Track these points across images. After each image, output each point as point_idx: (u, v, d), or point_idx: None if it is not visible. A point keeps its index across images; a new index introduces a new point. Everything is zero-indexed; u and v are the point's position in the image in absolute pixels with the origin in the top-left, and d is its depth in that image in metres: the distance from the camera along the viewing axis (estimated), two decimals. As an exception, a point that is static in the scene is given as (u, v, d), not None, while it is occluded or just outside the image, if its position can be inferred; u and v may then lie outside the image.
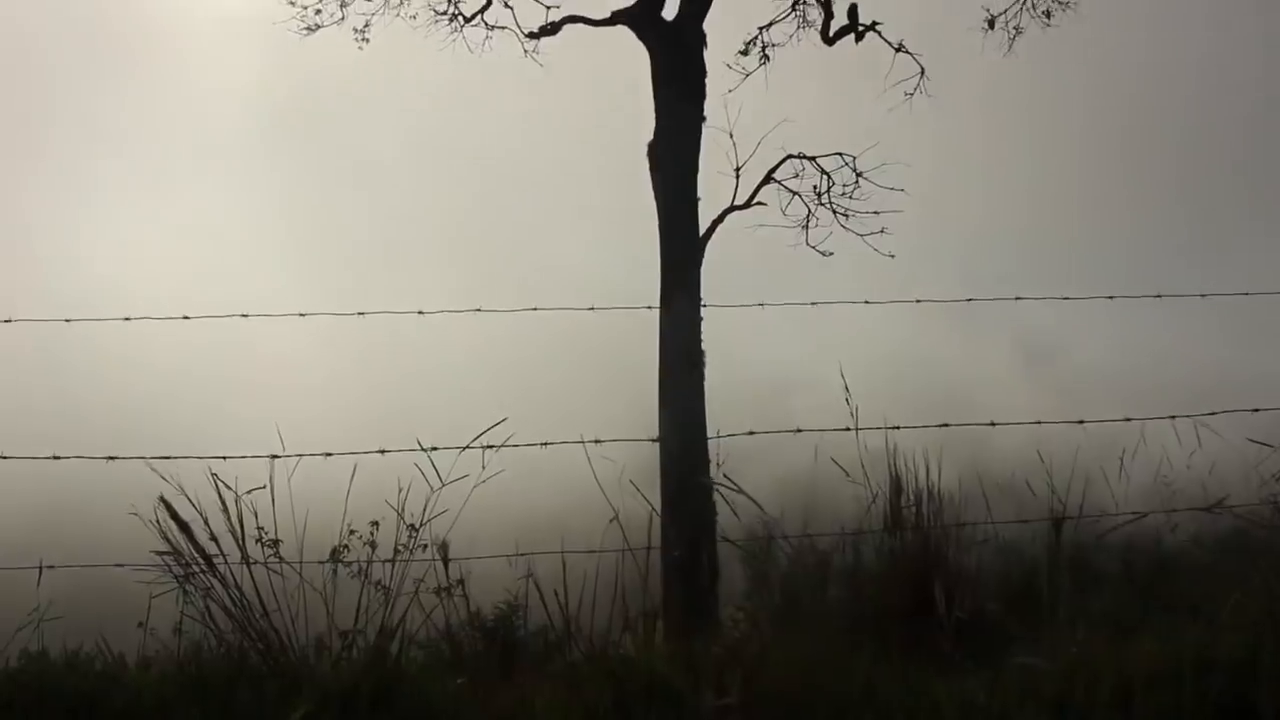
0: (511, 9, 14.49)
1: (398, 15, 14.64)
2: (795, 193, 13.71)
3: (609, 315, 6.63)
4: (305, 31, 14.70)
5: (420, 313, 6.42)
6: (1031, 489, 6.44)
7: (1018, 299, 6.82)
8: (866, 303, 6.57)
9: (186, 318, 6.53)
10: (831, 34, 14.28)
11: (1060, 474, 6.25)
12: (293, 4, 14.57)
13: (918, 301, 6.64)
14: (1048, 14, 14.81)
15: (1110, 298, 6.93)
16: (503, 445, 5.66)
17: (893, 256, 13.83)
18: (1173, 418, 6.68)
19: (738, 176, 13.38)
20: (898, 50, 14.38)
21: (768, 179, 13.58)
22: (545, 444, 6.06)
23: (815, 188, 13.72)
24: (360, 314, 6.43)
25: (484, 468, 5.52)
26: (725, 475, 5.67)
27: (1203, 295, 6.93)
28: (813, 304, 6.53)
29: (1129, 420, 6.64)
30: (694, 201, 13.35)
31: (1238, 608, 5.67)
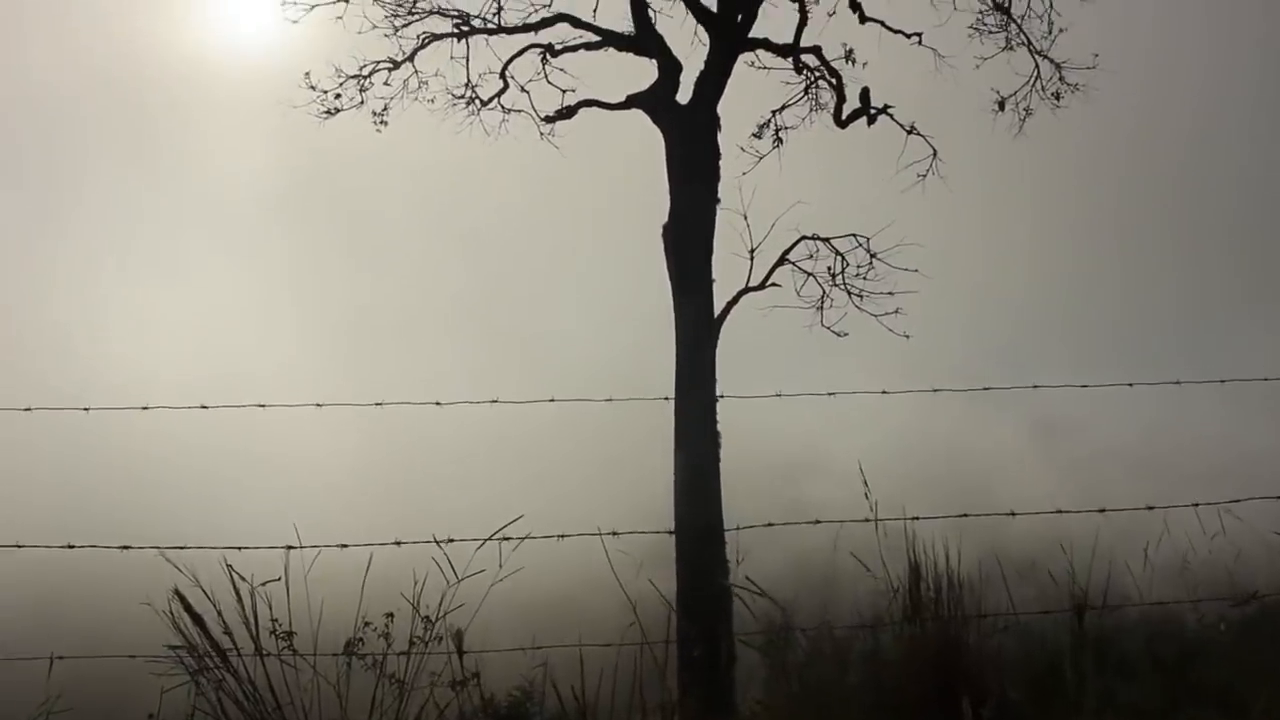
0: (528, 93, 14.74)
1: (415, 99, 14.90)
2: (809, 274, 13.78)
3: (625, 404, 6.62)
4: (324, 116, 14.91)
5: (438, 404, 6.42)
6: (1053, 577, 6.35)
7: (1035, 387, 6.79)
8: (884, 392, 6.54)
9: (204, 407, 6.54)
10: (844, 117, 14.45)
11: (1081, 561, 6.17)
12: (312, 89, 14.81)
13: (934, 391, 6.61)
14: (1057, 96, 14.97)
15: (1130, 385, 6.89)
16: (520, 539, 5.61)
17: (908, 337, 13.87)
18: (1195, 505, 6.60)
19: (752, 258, 13.48)
20: (910, 132, 14.54)
21: (782, 260, 13.65)
22: (561, 536, 6.01)
23: (829, 269, 13.79)
24: (378, 404, 6.43)
25: (501, 565, 5.47)
26: (746, 577, 5.61)
27: (1222, 381, 6.89)
28: (830, 394, 6.51)
29: (1151, 509, 6.56)
30: (708, 283, 13.42)
31: (1271, 699, 5.55)
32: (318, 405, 6.40)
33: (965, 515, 6.08)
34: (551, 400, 6.52)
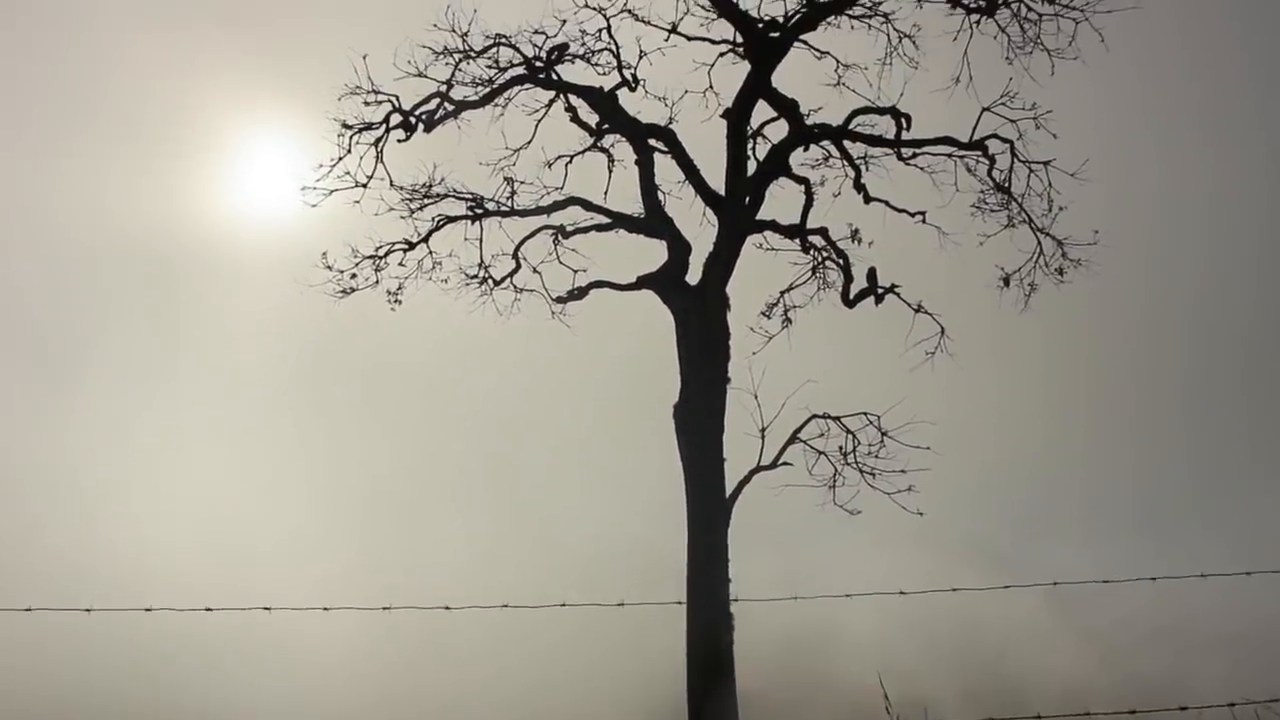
0: (539, 273, 14.99)
1: (430, 279, 15.13)
2: (821, 452, 13.71)
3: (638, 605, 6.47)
4: (340, 295, 15.12)
5: (447, 608, 6.28)
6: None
7: (1055, 584, 6.63)
8: (901, 593, 6.40)
9: (209, 609, 6.40)
10: (852, 297, 14.62)
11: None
12: (329, 268, 15.06)
13: (953, 590, 6.47)
14: (1060, 271, 15.11)
15: (1153, 579, 6.74)
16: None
17: (921, 514, 13.69)
18: (1232, 705, 6.36)
19: (763, 437, 13.44)
20: (917, 311, 14.66)
21: (793, 439, 13.62)
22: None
23: (841, 448, 13.73)
24: (385, 609, 6.29)
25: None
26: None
27: (1248, 573, 6.73)
28: (847, 595, 6.37)
29: (1184, 709, 6.33)
30: (720, 463, 13.37)
31: None
32: (324, 609, 6.26)
33: (991, 721, 5.85)
34: (563, 605, 6.38)
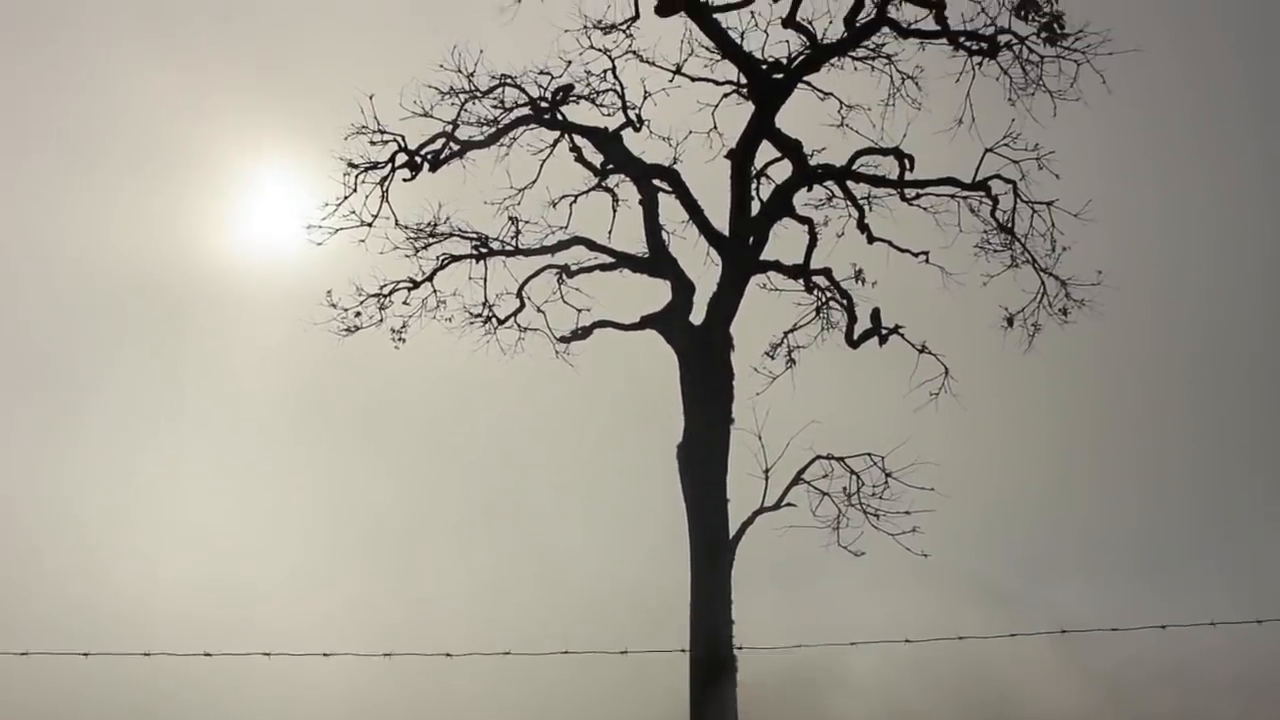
0: (543, 312, 15.01)
1: (434, 318, 15.15)
2: (825, 493, 13.68)
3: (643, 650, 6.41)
4: (344, 333, 15.13)
5: (448, 655, 6.23)
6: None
7: (1063, 631, 6.58)
8: (907, 641, 6.34)
9: (208, 654, 6.34)
10: (855, 337, 14.62)
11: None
12: (333, 306, 15.08)
13: (960, 638, 6.41)
14: (1064, 311, 15.09)
15: (1163, 627, 6.68)
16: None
17: (926, 556, 13.64)
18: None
19: (767, 478, 13.42)
20: (921, 351, 14.66)
21: (797, 480, 13.59)
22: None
23: (845, 489, 13.70)
24: (386, 655, 6.24)
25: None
26: None
27: (1259, 621, 6.67)
28: (851, 644, 6.31)
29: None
30: (723, 503, 13.32)
31: None
32: (324, 655, 6.21)
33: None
34: (565, 652, 6.33)
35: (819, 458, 13.67)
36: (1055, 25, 13.85)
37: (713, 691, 11.78)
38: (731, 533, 13.19)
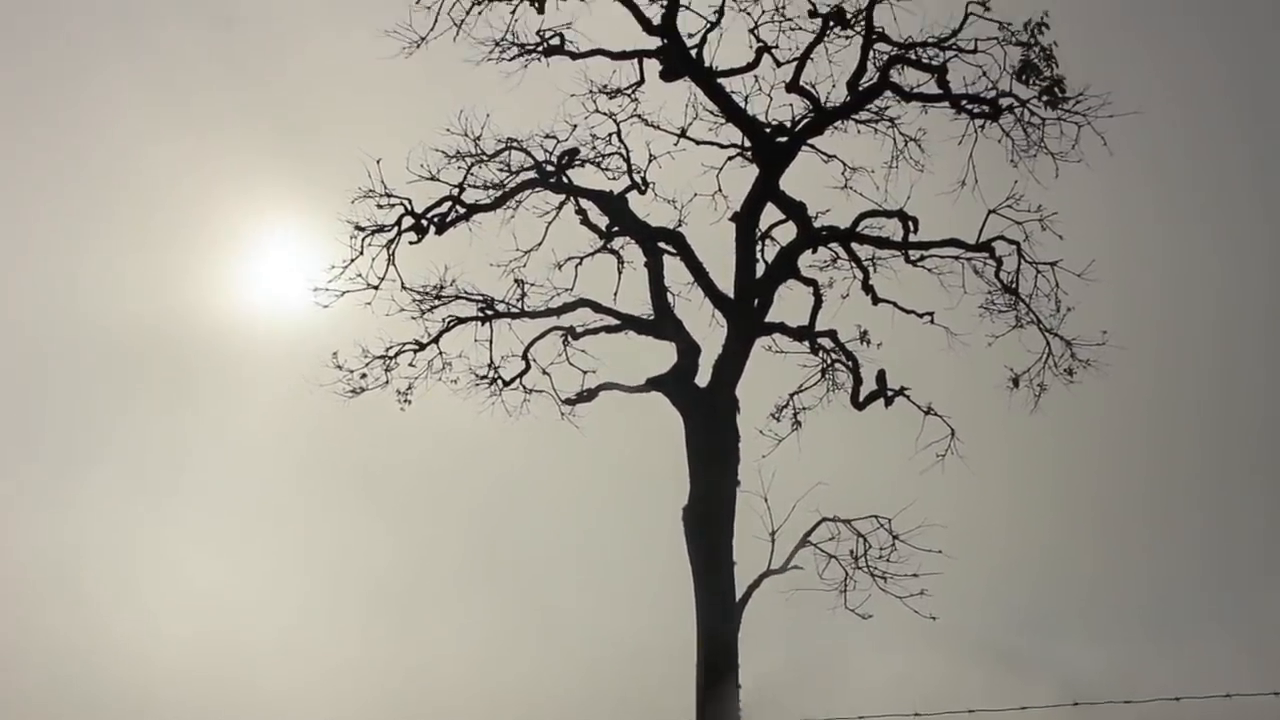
0: (549, 374, 15.01)
1: (439, 379, 15.15)
2: (832, 556, 13.60)
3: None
4: (350, 395, 15.12)
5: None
6: None
7: (1075, 704, 6.48)
8: (916, 716, 6.25)
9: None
10: (861, 399, 14.59)
11: None
12: (339, 368, 15.09)
13: (970, 711, 6.31)
14: (1070, 372, 15.07)
15: (1176, 699, 6.58)
16: None
17: (934, 619, 13.52)
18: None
19: (773, 540, 13.36)
20: (927, 413, 14.63)
21: (803, 543, 13.51)
22: None
23: (852, 551, 13.61)
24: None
25: None
26: None
27: (1275, 694, 6.57)
28: (860, 718, 6.23)
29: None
30: (730, 566, 13.23)
31: None
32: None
33: None
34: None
35: (825, 520, 13.61)
36: (1056, 89, 13.97)
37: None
38: (738, 596, 13.08)
